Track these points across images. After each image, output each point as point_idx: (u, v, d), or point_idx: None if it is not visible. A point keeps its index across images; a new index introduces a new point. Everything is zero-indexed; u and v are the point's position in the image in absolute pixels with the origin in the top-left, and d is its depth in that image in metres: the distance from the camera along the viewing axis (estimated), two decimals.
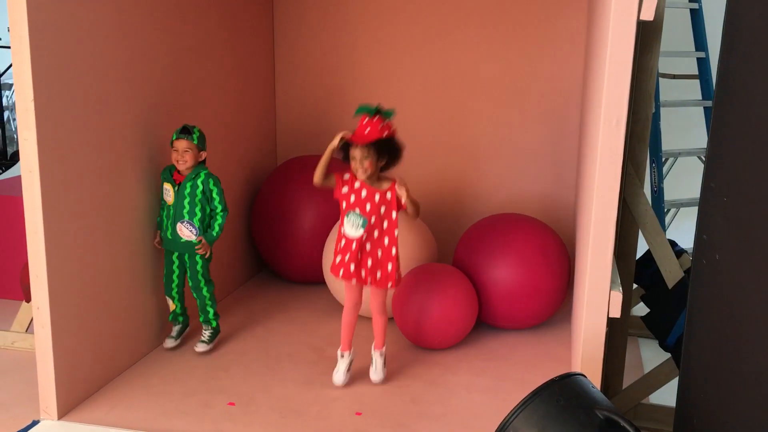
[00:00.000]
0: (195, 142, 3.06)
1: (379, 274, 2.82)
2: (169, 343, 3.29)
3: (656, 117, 4.27)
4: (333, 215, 3.81)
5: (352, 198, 2.79)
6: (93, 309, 2.84)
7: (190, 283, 3.22)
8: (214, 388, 2.94)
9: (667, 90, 4.81)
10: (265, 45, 4.36)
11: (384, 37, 4.31)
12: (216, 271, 3.78)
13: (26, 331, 3.42)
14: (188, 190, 3.08)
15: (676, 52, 4.74)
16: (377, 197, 2.77)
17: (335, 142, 2.76)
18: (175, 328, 3.33)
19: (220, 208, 3.13)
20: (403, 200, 2.76)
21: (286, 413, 2.76)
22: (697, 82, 4.83)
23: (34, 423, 2.68)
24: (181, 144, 3.04)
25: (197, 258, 3.16)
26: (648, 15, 1.99)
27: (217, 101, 3.75)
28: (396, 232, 2.81)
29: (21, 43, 2.40)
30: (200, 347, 3.22)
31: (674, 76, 4.79)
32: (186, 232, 3.09)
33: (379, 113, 2.72)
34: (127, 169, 3.00)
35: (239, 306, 3.84)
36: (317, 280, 3.96)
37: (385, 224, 2.81)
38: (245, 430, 2.63)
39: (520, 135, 4.24)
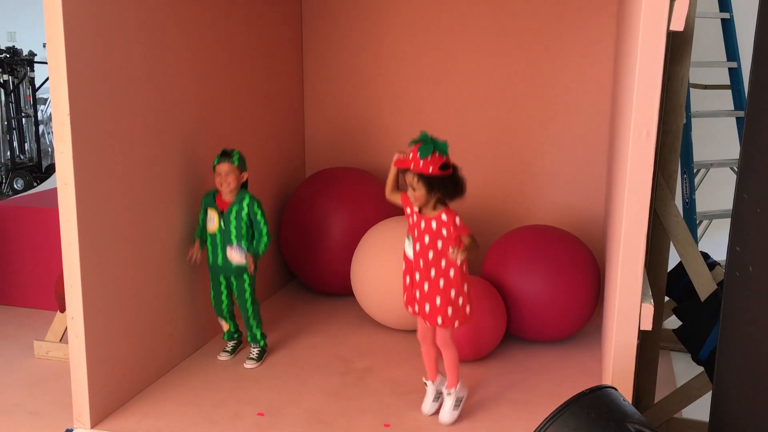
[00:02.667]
0: (236, 164, 3.10)
1: (427, 308, 2.66)
2: (223, 356, 3.33)
3: (687, 128, 4.22)
4: (361, 227, 3.83)
5: (410, 221, 2.67)
6: (126, 319, 2.88)
7: (238, 303, 3.27)
8: (244, 398, 2.96)
9: (699, 101, 4.76)
10: (293, 58, 4.41)
11: (413, 50, 4.33)
12: None
13: (60, 340, 3.48)
14: (234, 215, 3.13)
15: (707, 62, 4.69)
16: (423, 224, 2.61)
17: (395, 156, 2.65)
18: (231, 344, 3.38)
19: (265, 230, 3.17)
20: (458, 261, 2.59)
21: (314, 424, 2.76)
22: (729, 92, 4.77)
23: (68, 431, 2.72)
24: (223, 168, 3.09)
25: (245, 277, 3.21)
26: (678, 25, 1.98)
27: (247, 115, 3.80)
28: (443, 263, 2.61)
29: (57, 57, 2.45)
30: (249, 364, 3.25)
31: (706, 87, 4.74)
32: (236, 256, 3.14)
33: (422, 144, 2.56)
34: (160, 181, 3.04)
35: (268, 317, 3.86)
36: (346, 292, 3.97)
37: (431, 255, 2.61)
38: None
39: (549, 146, 4.22)
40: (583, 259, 3.40)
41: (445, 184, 2.56)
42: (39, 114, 8.61)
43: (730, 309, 2.01)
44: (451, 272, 2.61)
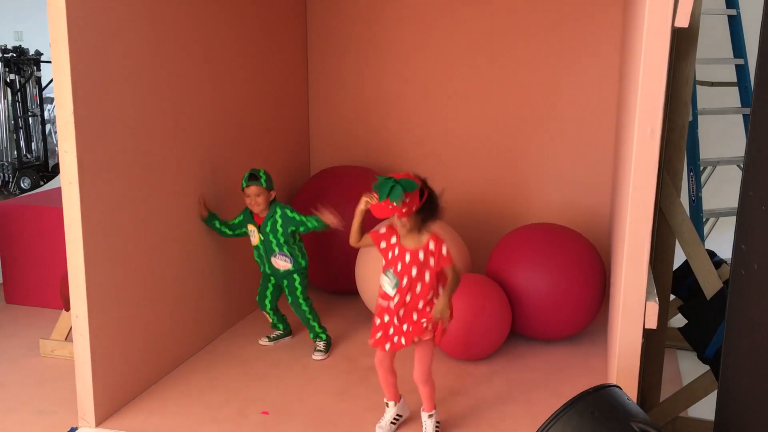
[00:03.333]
0: (264, 185, 3.23)
1: (408, 331, 2.53)
2: (264, 341, 3.52)
3: (694, 125, 4.20)
4: (366, 225, 3.81)
5: (390, 254, 2.53)
6: (131, 318, 2.88)
7: (290, 301, 3.39)
8: (249, 397, 2.96)
9: (706, 98, 4.73)
10: (298, 56, 4.40)
11: (419, 49, 4.32)
12: (252, 281, 3.81)
13: (66, 339, 3.49)
14: (269, 227, 3.28)
15: (714, 59, 4.66)
16: (408, 257, 2.48)
17: (361, 205, 2.49)
18: (276, 333, 3.55)
19: (306, 219, 3.31)
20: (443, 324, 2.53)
21: (319, 423, 2.76)
22: (735, 89, 4.74)
23: (72, 430, 2.72)
24: (252, 190, 3.22)
25: (295, 277, 3.36)
26: (683, 22, 1.97)
27: (252, 113, 3.80)
28: (430, 295, 2.50)
29: (61, 57, 2.45)
30: (317, 356, 3.37)
31: (712, 84, 4.71)
32: (281, 263, 3.32)
33: (388, 196, 2.35)
34: (165, 179, 3.04)
35: None
36: (351, 290, 3.97)
37: (419, 288, 2.50)
38: None
39: (554, 144, 4.21)
40: (588, 258, 3.39)
41: (430, 208, 2.45)
42: (46, 113, 8.65)
43: (736, 307, 1.99)
44: (431, 294, 2.52)
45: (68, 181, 2.55)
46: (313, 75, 4.54)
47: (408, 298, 2.50)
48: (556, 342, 3.51)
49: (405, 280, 2.48)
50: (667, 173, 2.80)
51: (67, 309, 3.44)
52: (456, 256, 3.57)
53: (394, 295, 2.49)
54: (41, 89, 8.42)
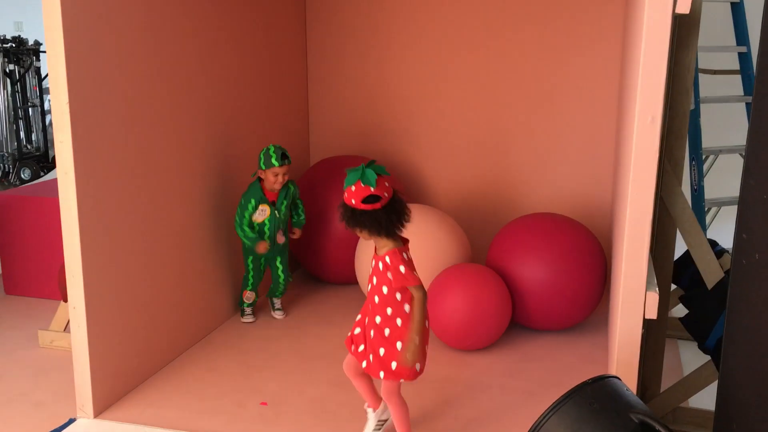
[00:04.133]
0: (290, 164, 3.42)
1: (371, 358, 2.34)
2: (249, 319, 3.67)
3: (696, 114, 4.17)
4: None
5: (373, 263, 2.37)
6: (129, 309, 2.87)
7: (282, 278, 3.65)
8: (248, 388, 2.95)
9: (709, 86, 4.70)
10: (297, 46, 4.38)
11: (417, 38, 4.29)
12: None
13: (64, 330, 3.48)
14: (284, 204, 3.47)
15: (716, 47, 4.62)
16: (373, 263, 2.31)
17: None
18: (250, 309, 3.69)
19: (301, 204, 3.64)
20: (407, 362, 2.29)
21: (319, 414, 2.75)
22: (738, 77, 4.70)
23: (71, 421, 2.72)
24: (283, 169, 3.37)
25: (286, 252, 3.63)
26: (684, 8, 1.94)
27: (251, 102, 3.77)
28: (389, 311, 2.29)
29: (55, 46, 2.43)
30: (279, 314, 3.70)
31: (715, 72, 4.67)
32: (281, 237, 3.53)
33: (350, 173, 2.24)
34: (162, 168, 3.03)
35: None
36: (350, 281, 3.96)
37: (377, 299, 2.31)
38: (278, 431, 2.63)
39: (555, 133, 4.18)
40: (589, 248, 3.37)
41: (368, 220, 2.22)
42: (45, 104, 8.62)
43: (737, 297, 1.97)
44: (398, 321, 2.29)
45: (64, 171, 2.53)
46: (312, 64, 4.51)
47: (370, 306, 2.35)
48: (557, 332, 3.49)
49: (369, 286, 2.33)
50: (668, 162, 2.77)
51: (66, 300, 3.42)
52: (456, 246, 3.56)
53: (367, 296, 2.38)
54: (41, 80, 8.40)
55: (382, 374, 2.32)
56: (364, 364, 2.37)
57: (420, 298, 2.27)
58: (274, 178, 3.36)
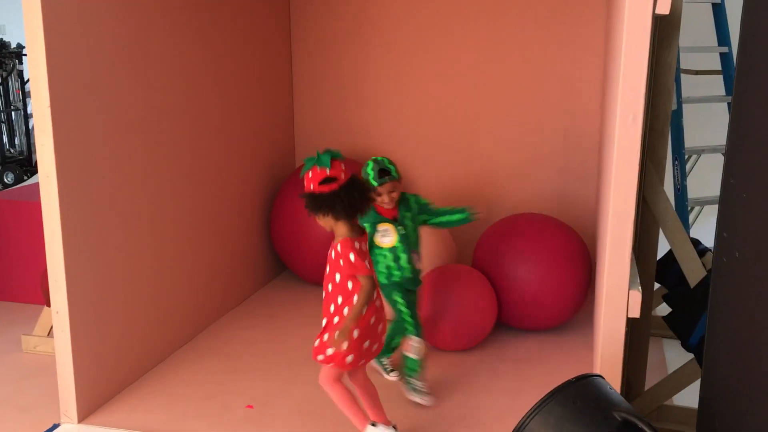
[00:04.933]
0: (397, 177, 2.77)
1: (317, 342, 2.40)
2: (393, 377, 3.01)
3: (678, 114, 4.20)
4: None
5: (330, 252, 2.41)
6: (112, 313, 2.86)
7: (413, 315, 2.88)
8: (233, 390, 2.94)
9: (691, 86, 4.73)
10: (281, 44, 4.37)
11: (401, 36, 4.29)
12: (236, 274, 3.79)
13: (48, 335, 3.46)
14: (408, 216, 2.83)
15: (698, 47, 4.66)
16: (329, 252, 2.37)
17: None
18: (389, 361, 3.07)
19: (444, 209, 2.94)
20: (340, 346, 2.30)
21: (304, 416, 2.75)
22: (720, 77, 4.75)
23: (55, 426, 2.70)
24: (386, 188, 2.74)
25: (419, 281, 2.92)
26: (664, 9, 1.95)
27: (234, 103, 3.76)
28: (340, 299, 2.33)
29: (36, 48, 2.42)
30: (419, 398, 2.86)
31: (697, 72, 4.71)
32: (417, 260, 2.86)
33: (306, 163, 2.31)
34: (145, 172, 3.01)
35: (259, 308, 3.85)
36: None
37: (330, 287, 2.37)
38: None
39: (539, 133, 4.20)
40: (574, 248, 3.38)
41: (328, 201, 2.27)
42: (28, 107, 8.56)
43: (718, 295, 1.99)
44: (346, 310, 2.33)
45: (46, 174, 2.52)
46: (297, 65, 4.50)
47: (324, 294, 2.39)
48: (542, 332, 3.51)
49: (327, 270, 2.39)
50: (650, 162, 2.79)
51: (49, 305, 3.40)
52: (442, 246, 3.57)
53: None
54: (23, 83, 8.34)
55: (320, 357, 2.38)
56: (316, 342, 2.40)
57: (366, 287, 2.29)
58: (380, 199, 2.75)
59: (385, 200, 2.76)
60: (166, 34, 3.12)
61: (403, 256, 2.79)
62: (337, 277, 2.34)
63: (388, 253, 2.79)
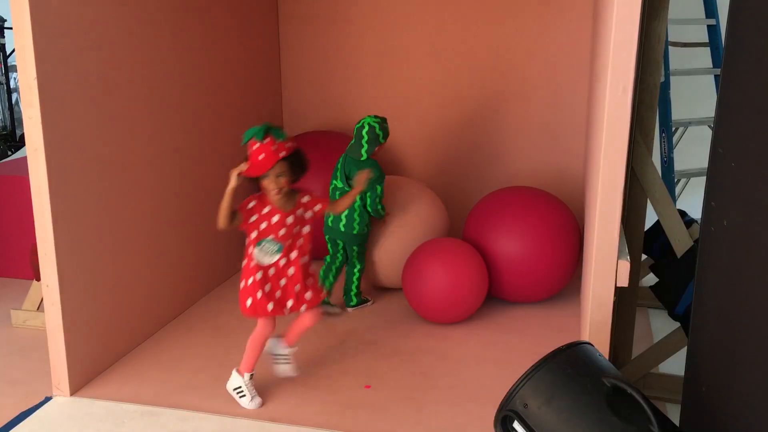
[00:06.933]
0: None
1: (308, 295, 2.66)
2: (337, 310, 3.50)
3: (666, 86, 4.22)
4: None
5: (263, 225, 2.53)
6: (103, 286, 2.86)
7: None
8: (225, 363, 2.96)
9: (679, 59, 4.74)
10: (269, 20, 4.33)
11: (389, 10, 4.26)
12: (225, 249, 3.79)
13: (38, 309, 3.45)
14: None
15: (686, 19, 4.66)
16: (290, 219, 2.56)
17: (232, 183, 2.42)
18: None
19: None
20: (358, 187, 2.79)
21: (296, 386, 2.77)
22: (707, 50, 4.75)
23: (47, 399, 2.71)
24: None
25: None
26: None
27: (222, 78, 3.73)
28: (306, 258, 2.67)
29: (23, 20, 2.39)
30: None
31: (685, 45, 4.72)
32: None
33: (269, 133, 2.43)
34: (135, 144, 2.99)
35: None
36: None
37: (299, 242, 2.62)
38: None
39: (528, 107, 4.20)
40: (562, 220, 3.40)
41: (300, 162, 2.52)
42: (12, 82, 8.44)
43: (705, 264, 2.02)
44: (303, 260, 2.65)
45: (33, 147, 2.50)
46: (284, 41, 4.47)
47: (292, 256, 2.59)
48: (532, 304, 3.54)
49: (289, 242, 2.57)
50: (639, 133, 2.80)
51: (38, 279, 3.39)
52: (436, 219, 3.59)
53: (277, 261, 2.57)
54: (6, 57, 8.21)
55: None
56: (303, 307, 2.66)
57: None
58: (380, 152, 3.40)
59: (378, 154, 3.34)
60: (154, 8, 3.08)
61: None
62: (306, 229, 2.63)
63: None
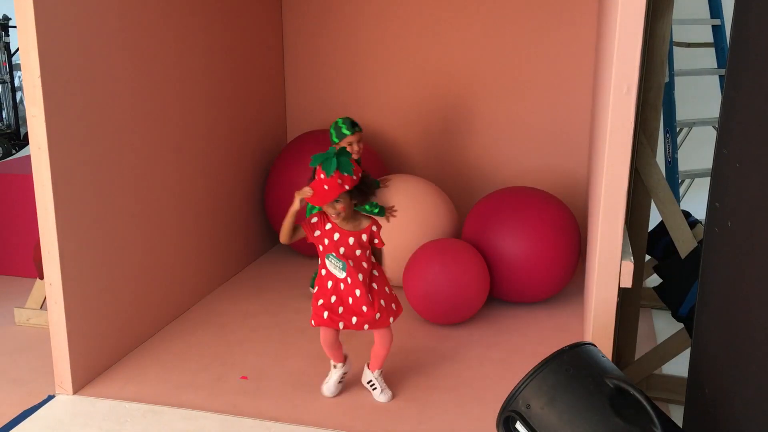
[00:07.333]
0: (361, 131, 3.26)
1: (378, 316, 2.58)
2: None
3: (670, 86, 4.21)
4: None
5: (326, 241, 2.53)
6: (106, 285, 2.86)
7: None
8: (227, 362, 2.96)
9: (683, 59, 4.74)
10: (273, 17, 4.33)
11: (394, 9, 4.26)
12: (229, 247, 3.80)
13: (41, 307, 3.46)
14: None
15: (690, 20, 4.65)
16: (351, 240, 2.52)
17: (295, 206, 2.46)
18: None
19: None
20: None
21: (298, 387, 2.77)
22: (712, 50, 4.75)
23: (50, 398, 2.71)
24: (357, 137, 3.21)
25: None
26: None
27: (225, 76, 3.73)
28: (375, 272, 2.60)
29: (26, 18, 2.39)
30: None
31: (689, 45, 4.71)
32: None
33: (339, 167, 2.39)
34: (137, 142, 3.00)
35: (252, 281, 3.86)
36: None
37: (365, 264, 2.55)
38: (258, 404, 2.65)
39: (531, 107, 4.19)
40: (563, 220, 3.39)
41: (365, 187, 2.50)
42: (16, 80, 8.46)
43: (709, 264, 2.01)
44: (375, 272, 2.61)
45: (37, 146, 2.50)
46: (288, 38, 4.47)
47: (360, 276, 2.52)
48: (534, 304, 3.53)
49: (351, 262, 2.51)
50: (643, 134, 2.80)
51: (42, 277, 3.40)
52: (445, 219, 3.59)
53: (345, 277, 2.52)
54: (10, 56, 8.23)
55: (391, 320, 2.62)
56: (366, 327, 2.59)
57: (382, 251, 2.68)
58: (350, 149, 3.15)
59: (354, 149, 3.18)
60: (157, 8, 3.08)
61: None
62: (366, 253, 2.55)
63: None
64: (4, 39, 8.13)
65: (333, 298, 2.56)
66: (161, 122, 3.17)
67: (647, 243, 3.21)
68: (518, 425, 1.75)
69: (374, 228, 2.55)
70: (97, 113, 2.74)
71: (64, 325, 2.65)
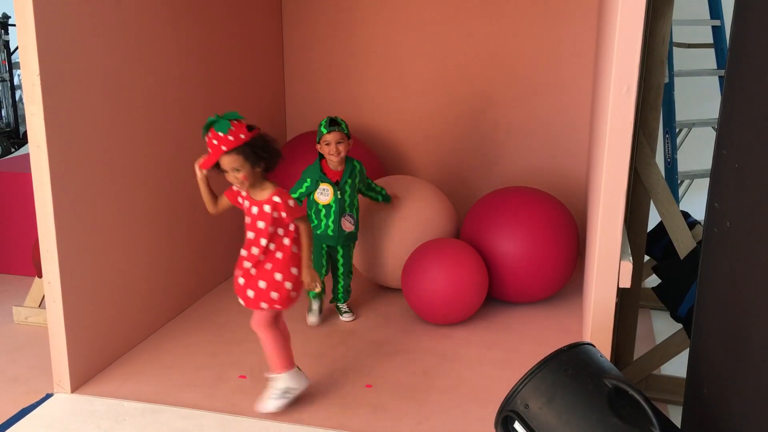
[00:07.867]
0: (345, 132, 3.08)
1: (250, 293, 2.50)
2: (313, 319, 3.32)
3: (670, 87, 4.21)
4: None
5: (252, 209, 2.47)
6: (104, 283, 2.85)
7: (341, 271, 3.32)
8: (226, 361, 2.96)
9: (683, 60, 4.73)
10: (273, 19, 4.33)
11: (392, 10, 4.26)
12: (227, 248, 3.79)
13: (39, 306, 3.45)
14: (350, 183, 3.16)
15: (690, 20, 4.65)
16: (255, 210, 2.44)
17: (197, 174, 2.44)
18: (317, 305, 3.34)
19: (379, 188, 3.35)
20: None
21: None
22: (712, 51, 4.75)
23: (48, 396, 2.71)
24: (334, 136, 3.04)
25: (351, 246, 3.32)
26: None
27: (224, 75, 3.73)
28: (272, 247, 2.46)
29: (25, 16, 2.39)
30: (347, 317, 3.35)
31: (689, 46, 4.71)
32: (348, 224, 3.21)
33: (212, 126, 2.33)
34: (137, 142, 2.99)
35: None
36: None
37: (263, 241, 2.45)
38: (257, 403, 2.64)
39: (529, 107, 4.19)
40: (561, 221, 3.39)
41: (262, 149, 2.35)
42: (16, 79, 8.45)
43: (708, 265, 2.01)
44: (279, 254, 2.47)
45: (36, 144, 2.50)
46: (288, 38, 4.47)
47: (258, 252, 2.45)
48: (533, 304, 3.53)
49: (252, 234, 2.45)
50: (642, 134, 2.80)
51: (40, 276, 3.40)
52: (444, 219, 3.58)
53: (260, 254, 2.46)
54: (9, 54, 8.22)
55: (264, 305, 2.50)
56: (241, 301, 2.52)
57: (308, 226, 2.50)
58: (327, 149, 3.04)
59: (332, 150, 3.03)
60: (157, 6, 3.08)
61: (332, 216, 3.15)
62: (270, 228, 2.42)
63: (322, 209, 3.15)
64: (4, 37, 8.12)
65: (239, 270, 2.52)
66: (160, 121, 3.16)
67: (646, 243, 3.21)
68: (517, 425, 1.75)
69: (276, 198, 2.40)
70: (96, 112, 2.74)
71: (62, 324, 2.64)
